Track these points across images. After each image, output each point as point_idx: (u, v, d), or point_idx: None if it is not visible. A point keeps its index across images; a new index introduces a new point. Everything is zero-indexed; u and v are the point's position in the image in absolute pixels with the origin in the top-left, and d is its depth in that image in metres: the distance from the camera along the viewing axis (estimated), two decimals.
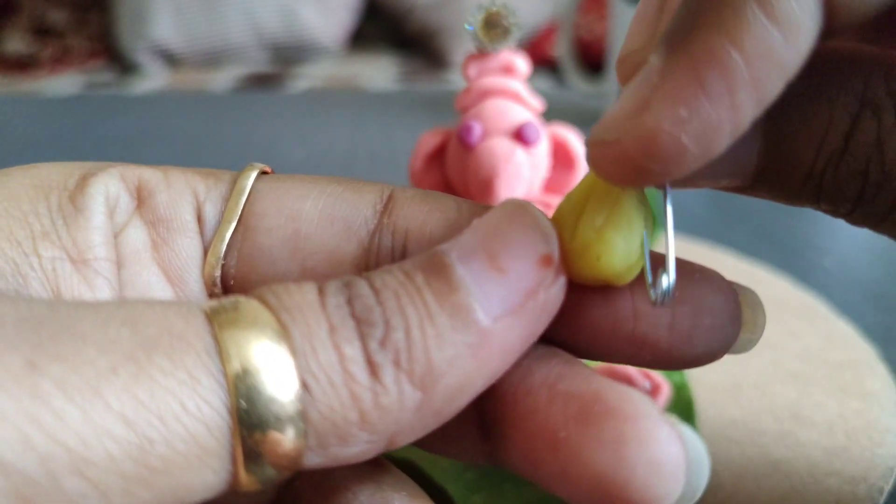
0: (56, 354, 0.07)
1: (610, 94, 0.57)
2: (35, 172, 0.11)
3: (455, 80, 0.90)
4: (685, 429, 0.08)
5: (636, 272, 0.10)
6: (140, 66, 0.95)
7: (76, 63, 0.98)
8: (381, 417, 0.08)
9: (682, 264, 0.10)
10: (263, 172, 0.12)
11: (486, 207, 0.11)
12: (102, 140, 0.54)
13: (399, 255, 0.11)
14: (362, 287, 0.09)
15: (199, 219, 0.11)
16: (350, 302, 0.08)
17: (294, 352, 0.08)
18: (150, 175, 0.12)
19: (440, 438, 0.10)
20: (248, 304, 0.08)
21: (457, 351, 0.08)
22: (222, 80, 0.90)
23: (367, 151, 0.53)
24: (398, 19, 1.12)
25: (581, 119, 0.70)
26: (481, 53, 0.21)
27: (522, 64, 0.22)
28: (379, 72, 0.96)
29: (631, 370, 0.20)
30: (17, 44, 0.96)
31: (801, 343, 0.24)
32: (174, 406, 0.07)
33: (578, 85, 0.60)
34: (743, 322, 0.10)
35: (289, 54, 1.04)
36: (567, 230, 0.10)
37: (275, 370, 0.08)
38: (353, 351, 0.08)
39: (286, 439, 0.08)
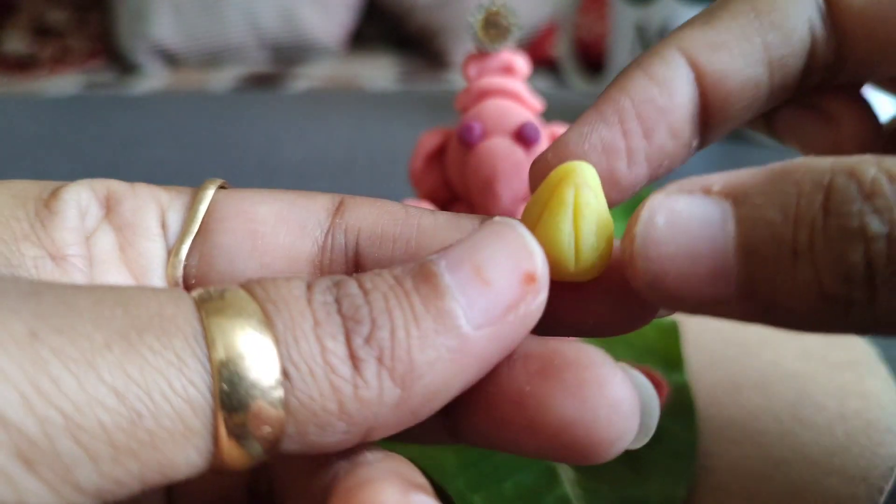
0: (55, 326, 0.08)
1: None
2: (11, 185, 0.12)
3: (455, 79, 0.90)
4: (636, 373, 0.09)
5: (596, 272, 0.11)
6: (140, 66, 0.96)
7: (76, 63, 0.98)
8: (360, 410, 0.09)
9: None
10: (222, 187, 0.13)
11: (433, 212, 0.12)
12: (102, 140, 0.54)
13: (352, 251, 0.12)
14: (351, 286, 0.09)
15: (163, 225, 0.12)
16: (338, 300, 0.09)
17: (277, 341, 0.08)
18: (117, 186, 0.12)
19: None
20: (236, 294, 0.09)
21: (438, 354, 0.09)
22: (222, 79, 0.90)
23: (366, 151, 0.53)
24: (398, 19, 1.12)
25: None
26: (481, 53, 0.21)
27: (522, 64, 0.22)
28: (379, 72, 0.96)
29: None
30: (17, 44, 0.96)
31: (801, 343, 0.24)
32: (162, 384, 0.08)
33: (578, 85, 0.60)
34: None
35: (289, 54, 1.04)
36: (566, 240, 0.11)
37: (257, 358, 0.08)
38: (335, 345, 0.09)
39: (265, 425, 0.08)
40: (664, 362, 0.22)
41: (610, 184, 0.13)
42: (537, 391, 0.09)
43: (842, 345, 0.24)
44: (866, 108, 0.15)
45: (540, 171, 0.13)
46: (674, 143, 0.13)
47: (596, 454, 0.09)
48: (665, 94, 0.12)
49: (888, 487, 0.17)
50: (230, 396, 0.08)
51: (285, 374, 0.08)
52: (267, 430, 0.08)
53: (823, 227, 0.09)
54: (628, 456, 0.17)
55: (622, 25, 0.54)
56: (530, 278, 0.09)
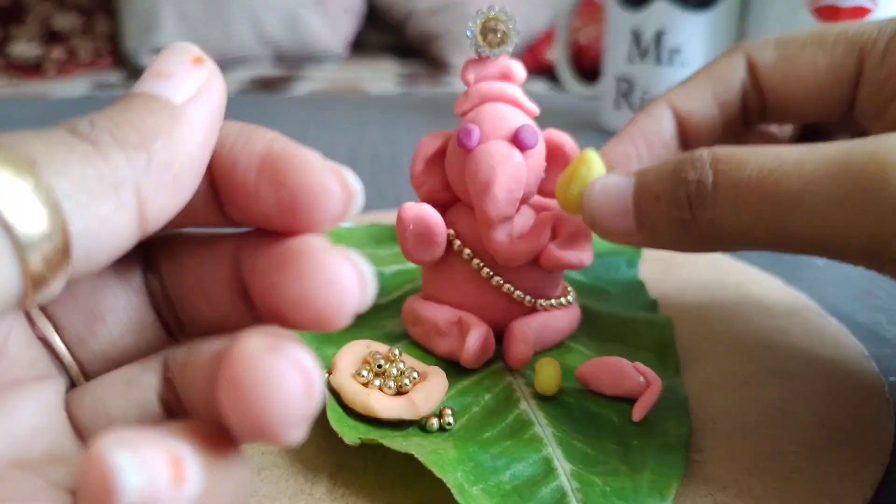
0: None
1: (604, 97, 0.58)
2: None
3: (454, 83, 0.90)
4: (354, 253, 0.11)
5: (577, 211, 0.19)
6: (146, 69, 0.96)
7: (83, 68, 0.99)
8: (115, 173, 0.10)
9: None
10: None
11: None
12: None
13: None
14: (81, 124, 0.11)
15: None
16: (74, 129, 0.10)
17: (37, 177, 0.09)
18: None
19: (218, 322, 0.13)
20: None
21: (161, 119, 0.11)
22: (228, 83, 0.90)
23: (369, 153, 0.54)
24: (398, 25, 1.13)
25: (579, 122, 0.70)
26: (480, 59, 0.22)
27: (520, 69, 0.22)
28: (380, 75, 0.96)
29: (625, 366, 0.20)
30: (24, 48, 0.96)
31: (791, 341, 0.24)
32: None
33: (573, 88, 0.61)
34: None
35: (293, 59, 1.05)
36: (562, 193, 0.19)
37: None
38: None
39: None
40: (658, 359, 0.22)
41: None
42: (276, 280, 0.11)
43: (831, 343, 0.24)
44: (773, 143, 0.22)
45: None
46: (667, 154, 0.20)
47: (326, 323, 0.11)
48: (657, 124, 0.20)
49: (877, 484, 0.17)
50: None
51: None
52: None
53: (669, 180, 0.16)
54: (622, 449, 0.18)
55: (618, 30, 0.55)
56: (198, 60, 0.11)
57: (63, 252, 0.09)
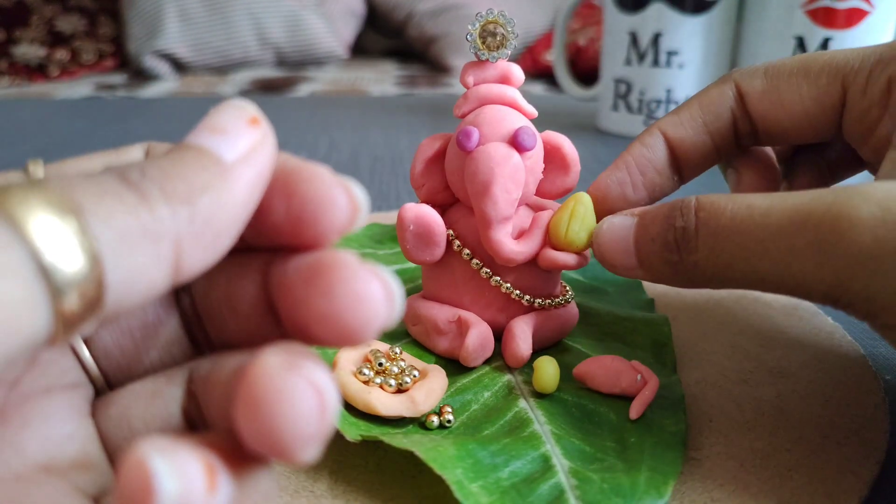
0: None
1: (602, 99, 0.58)
2: None
3: (454, 85, 0.91)
4: (383, 270, 0.11)
5: (579, 249, 0.21)
6: (150, 72, 0.96)
7: (87, 70, 0.99)
8: (158, 225, 0.10)
9: None
10: None
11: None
12: (113, 141, 0.54)
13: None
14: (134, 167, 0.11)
15: None
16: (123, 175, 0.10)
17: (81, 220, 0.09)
18: None
19: (246, 337, 0.13)
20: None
21: (210, 176, 0.11)
22: (231, 84, 0.91)
23: (369, 154, 0.54)
24: (398, 27, 1.13)
25: (577, 124, 0.70)
26: (479, 62, 0.22)
27: (518, 72, 0.22)
28: (381, 77, 0.97)
29: (622, 364, 0.20)
30: (28, 50, 0.97)
31: (787, 339, 0.24)
32: None
33: (572, 90, 0.61)
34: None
35: (295, 61, 1.05)
36: (562, 230, 0.21)
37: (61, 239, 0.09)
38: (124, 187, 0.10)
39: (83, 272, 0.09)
40: (655, 357, 0.23)
41: (622, 202, 0.22)
42: (304, 294, 0.11)
43: (827, 341, 0.24)
44: (764, 165, 0.23)
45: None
46: (660, 179, 0.22)
47: (352, 339, 0.11)
48: (650, 152, 0.22)
49: (873, 481, 0.17)
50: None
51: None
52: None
53: (662, 224, 0.17)
54: (620, 447, 0.18)
55: (615, 32, 0.55)
56: (254, 121, 0.11)
57: (96, 297, 0.09)
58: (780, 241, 0.15)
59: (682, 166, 0.22)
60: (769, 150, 0.24)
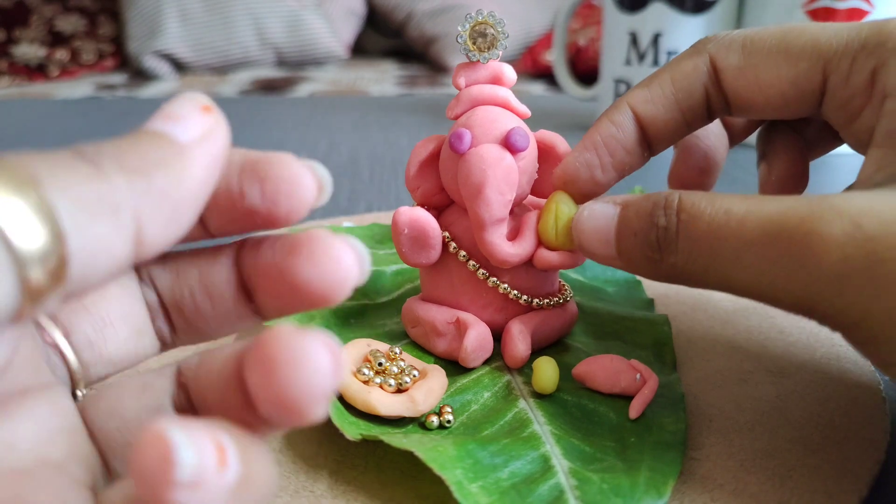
0: None
1: (602, 99, 0.58)
2: None
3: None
4: (353, 238, 0.13)
5: (567, 246, 0.21)
6: (150, 72, 0.96)
7: (87, 70, 0.99)
8: (114, 195, 0.10)
9: None
10: None
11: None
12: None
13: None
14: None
15: None
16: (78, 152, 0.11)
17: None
18: None
19: (221, 319, 0.14)
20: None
21: (165, 153, 0.11)
22: (231, 85, 0.91)
23: (369, 154, 0.54)
24: (398, 27, 1.13)
25: (577, 124, 0.70)
26: (471, 63, 0.22)
27: (510, 72, 0.22)
28: (380, 77, 0.97)
29: (622, 364, 0.20)
30: (28, 50, 0.97)
31: (787, 339, 0.24)
32: None
33: (571, 90, 0.61)
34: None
35: (294, 61, 1.05)
36: (551, 233, 0.21)
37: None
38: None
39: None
40: (655, 357, 0.23)
41: (591, 184, 0.21)
42: (289, 263, 0.13)
43: (827, 341, 0.24)
44: (794, 152, 0.22)
45: (555, 180, 0.21)
46: (630, 158, 0.21)
47: (333, 297, 0.13)
48: (620, 131, 0.20)
49: (872, 481, 0.17)
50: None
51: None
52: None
53: (645, 221, 0.17)
54: (620, 447, 0.18)
55: (615, 32, 0.55)
56: (207, 108, 0.12)
57: (60, 269, 0.10)
58: (753, 252, 0.15)
59: (652, 142, 0.21)
60: (797, 138, 0.23)
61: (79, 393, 0.14)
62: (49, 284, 0.10)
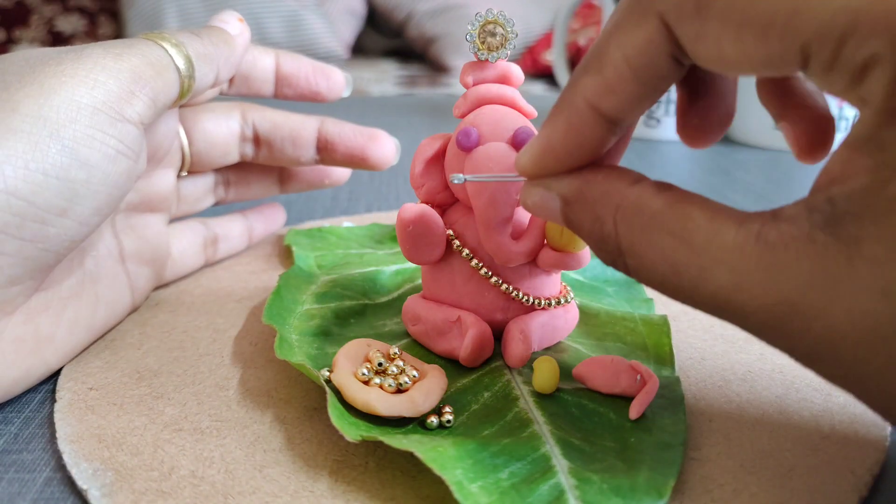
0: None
1: None
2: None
3: (454, 85, 0.91)
4: (393, 139, 0.29)
5: (573, 249, 0.21)
6: None
7: None
8: (208, 49, 0.25)
9: None
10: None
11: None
12: None
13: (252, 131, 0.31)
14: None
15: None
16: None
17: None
18: None
19: (292, 161, 0.31)
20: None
21: (225, 36, 0.28)
22: None
23: None
24: (398, 27, 1.13)
25: None
26: (479, 62, 0.22)
27: (518, 72, 0.22)
28: (380, 77, 0.97)
29: (622, 364, 0.20)
30: (27, 47, 0.97)
31: None
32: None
33: None
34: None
35: None
36: (557, 233, 0.21)
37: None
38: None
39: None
40: (654, 357, 0.23)
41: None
42: (368, 145, 0.30)
43: None
44: (817, 116, 0.19)
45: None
46: (600, 153, 0.18)
47: (383, 167, 0.30)
48: (585, 139, 0.17)
49: (873, 480, 0.17)
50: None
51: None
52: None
53: (591, 218, 0.17)
54: (620, 447, 0.18)
55: None
56: (240, 19, 0.27)
57: (191, 80, 0.23)
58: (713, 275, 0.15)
59: (618, 127, 0.18)
60: (819, 97, 0.19)
61: (182, 174, 0.29)
62: (188, 87, 0.23)
